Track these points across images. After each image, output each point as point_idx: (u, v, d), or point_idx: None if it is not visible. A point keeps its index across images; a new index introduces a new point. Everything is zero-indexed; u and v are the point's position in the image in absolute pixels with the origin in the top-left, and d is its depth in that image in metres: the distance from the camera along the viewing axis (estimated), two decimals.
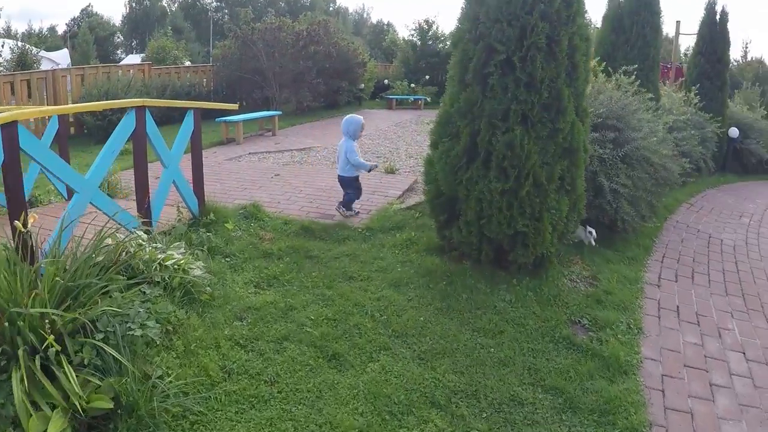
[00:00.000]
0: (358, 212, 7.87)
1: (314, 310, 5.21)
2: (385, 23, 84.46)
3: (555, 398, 4.43)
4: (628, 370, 4.90)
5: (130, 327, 3.98)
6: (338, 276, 5.94)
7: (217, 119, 14.50)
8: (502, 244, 5.94)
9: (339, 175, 7.88)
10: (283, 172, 10.79)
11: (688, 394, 4.82)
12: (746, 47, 37.21)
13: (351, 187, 7.84)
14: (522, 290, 5.89)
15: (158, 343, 4.17)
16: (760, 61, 31.86)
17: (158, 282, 4.75)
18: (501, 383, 4.50)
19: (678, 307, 6.46)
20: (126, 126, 5.76)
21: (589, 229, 7.16)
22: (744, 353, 5.73)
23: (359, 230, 7.22)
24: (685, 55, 28.49)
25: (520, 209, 5.69)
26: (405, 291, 5.71)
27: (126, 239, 4.84)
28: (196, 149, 6.98)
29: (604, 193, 7.30)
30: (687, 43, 59.16)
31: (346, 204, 7.80)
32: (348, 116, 7.97)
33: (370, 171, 8.06)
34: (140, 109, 5.86)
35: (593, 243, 7.22)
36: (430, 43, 29.56)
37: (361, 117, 8.00)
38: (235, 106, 8.39)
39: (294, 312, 5.17)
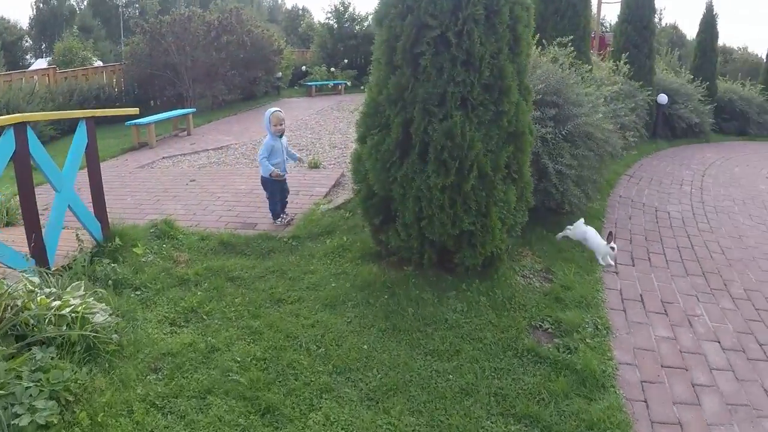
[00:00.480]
0: (291, 219, 7.05)
1: (240, 349, 4.38)
2: (301, 8, 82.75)
3: (530, 429, 3.79)
4: (605, 382, 4.33)
5: (16, 412, 3.15)
6: (265, 300, 5.13)
7: (127, 123, 13.35)
8: (447, 246, 5.26)
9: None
10: (199, 176, 9.86)
11: (672, 400, 4.32)
12: (660, 13, 38.00)
13: (266, 189, 7.00)
14: (473, 296, 5.24)
15: (56, 422, 3.30)
16: (674, 27, 33.38)
17: (53, 339, 3.84)
18: (467, 419, 3.82)
19: (642, 295, 5.94)
20: (4, 148, 4.70)
21: (612, 244, 6.49)
22: (719, 342, 5.26)
23: (285, 240, 6.41)
24: (602, 25, 28.81)
25: (465, 206, 5.01)
26: (342, 311, 4.95)
27: (11, 288, 3.94)
28: (93, 165, 5.99)
29: (549, 176, 6.74)
30: (605, 11, 59.83)
31: (272, 211, 6.97)
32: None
33: (270, 176, 6.79)
34: (20, 127, 4.81)
35: (611, 262, 6.58)
36: (347, 25, 28.66)
37: (274, 108, 7.09)
38: (135, 111, 7.43)
39: (217, 354, 4.33)
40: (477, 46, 4.80)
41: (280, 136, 6.89)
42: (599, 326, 5.08)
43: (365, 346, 4.47)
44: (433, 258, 5.33)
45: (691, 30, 47.83)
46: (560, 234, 6.81)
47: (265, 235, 6.53)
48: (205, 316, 4.87)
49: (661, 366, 4.72)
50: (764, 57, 26.09)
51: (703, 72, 19.72)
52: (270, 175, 6.69)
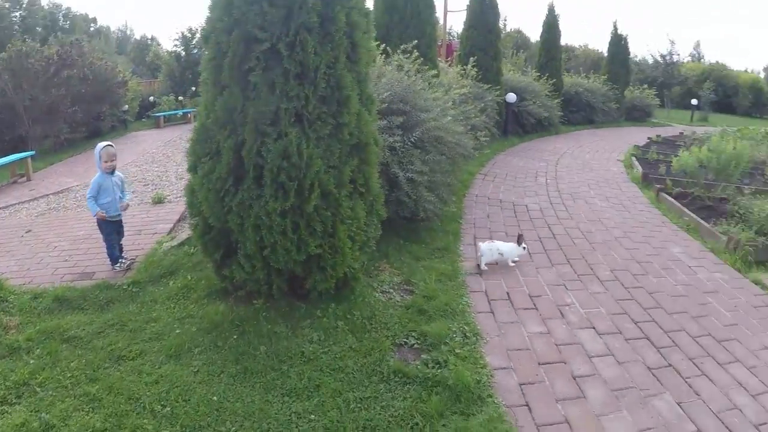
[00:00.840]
0: (131, 262, 6.43)
1: (78, 422, 3.78)
2: (149, 38, 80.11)
3: None
4: (481, 393, 4.13)
5: None
6: (104, 359, 4.53)
7: None
8: (296, 272, 4.90)
9: None
10: (36, 225, 8.98)
11: (555, 398, 4.21)
12: (505, 19, 39.72)
13: (102, 232, 6.35)
14: (330, 321, 4.91)
15: None
16: (518, 31, 35.63)
17: None
18: None
19: (508, 293, 5.84)
20: None
21: (523, 245, 6.51)
22: (594, 328, 5.26)
23: (125, 287, 5.77)
24: (449, 33, 29.61)
25: (310, 228, 4.67)
26: (189, 361, 4.45)
27: None
28: None
29: (401, 185, 6.54)
30: (452, 20, 61.55)
31: (110, 256, 6.35)
32: None
33: (98, 217, 6.14)
34: None
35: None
36: (195, 51, 27.88)
37: (105, 143, 6.38)
38: None
39: None
40: (311, 56, 4.48)
41: (112, 173, 6.27)
42: (468, 333, 4.89)
43: (215, 398, 4.01)
44: (283, 287, 4.96)
45: (535, 33, 50.17)
46: (481, 264, 6.50)
47: (104, 284, 5.89)
48: (38, 388, 4.20)
49: (539, 364, 4.59)
50: (604, 51, 27.51)
51: (549, 69, 20.55)
52: (96, 216, 6.07)
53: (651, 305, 5.87)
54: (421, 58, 8.67)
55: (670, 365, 4.78)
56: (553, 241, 7.61)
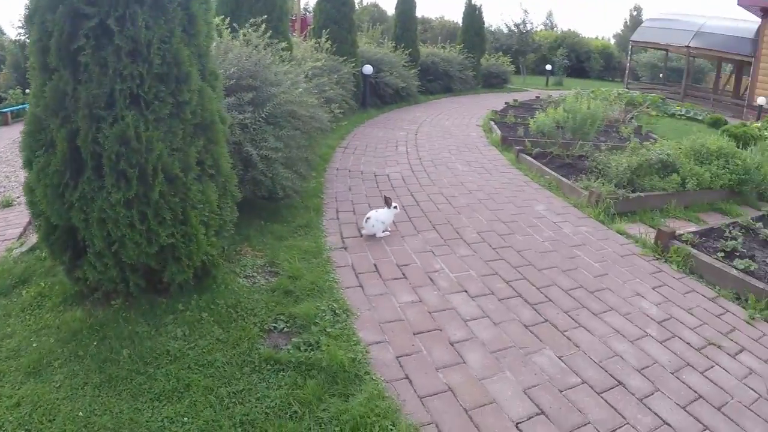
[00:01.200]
0: None
1: None
2: None
3: None
4: (358, 371, 3.99)
5: None
6: None
7: None
8: (151, 266, 4.54)
9: None
10: None
11: (434, 367, 4.14)
12: None
13: None
14: (194, 314, 4.60)
15: None
16: (375, 5, 35.89)
17: None
18: None
19: (376, 265, 5.70)
20: None
21: (394, 204, 6.45)
22: (466, 291, 5.25)
23: None
24: (305, 9, 29.29)
25: (159, 217, 4.32)
26: (50, 376, 3.98)
27: None
28: None
29: (255, 163, 6.26)
30: None
31: None
32: None
33: None
34: None
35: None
36: None
37: None
38: None
39: None
40: (143, 31, 4.08)
41: None
42: (337, 311, 4.74)
43: (81, 413, 3.61)
44: (141, 283, 4.59)
45: (391, 7, 50.51)
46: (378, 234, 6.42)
47: None
48: None
49: (413, 334, 4.50)
50: (460, 22, 27.83)
51: (404, 40, 20.53)
52: None
53: (520, 263, 5.94)
54: (271, 32, 8.33)
55: (546, 321, 4.84)
56: (417, 208, 7.56)
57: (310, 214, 6.89)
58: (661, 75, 35.20)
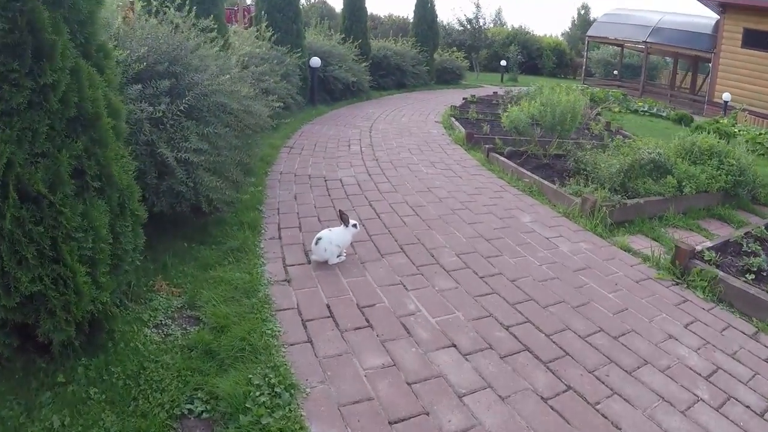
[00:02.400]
0: None
1: None
2: None
3: None
4: None
5: None
6: None
7: None
8: (26, 320, 3.09)
9: None
10: None
11: None
12: None
13: None
14: (79, 390, 3.14)
15: None
16: (323, 1, 37.14)
17: None
18: None
19: (329, 306, 4.30)
20: None
21: (353, 222, 5.01)
22: (455, 346, 3.91)
23: None
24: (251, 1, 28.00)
25: (15, 257, 2.89)
26: None
27: None
28: None
29: (174, 170, 4.79)
30: None
31: None
32: None
33: None
34: None
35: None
36: None
37: None
38: None
39: None
40: None
41: None
42: (277, 387, 3.29)
43: None
44: (12, 342, 3.14)
45: (338, 3, 49.68)
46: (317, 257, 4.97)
47: None
48: None
49: (389, 424, 3.10)
50: (410, 17, 26.89)
51: (354, 32, 19.24)
52: None
53: (519, 298, 4.62)
54: (195, 12, 6.88)
55: (569, 388, 3.52)
56: (378, 222, 6.16)
57: (245, 233, 5.43)
58: (615, 72, 34.74)
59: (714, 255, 5.52)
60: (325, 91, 16.05)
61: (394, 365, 3.60)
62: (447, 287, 4.67)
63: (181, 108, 4.94)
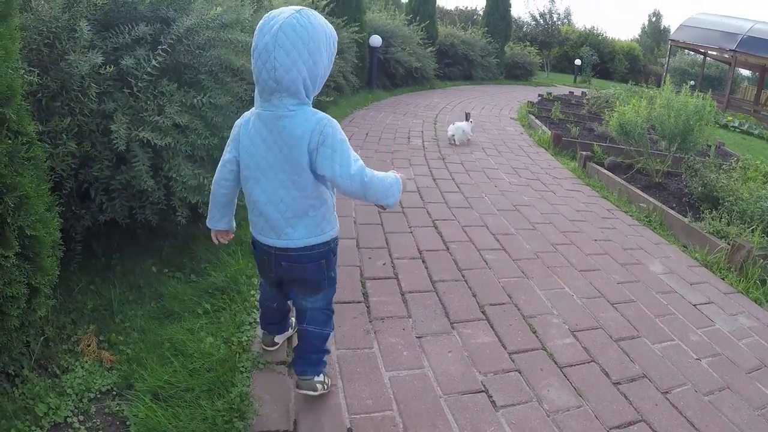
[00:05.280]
0: None
1: None
2: None
3: None
4: None
5: None
6: None
7: None
8: None
9: None
10: None
11: None
12: None
13: None
14: None
15: None
16: None
17: None
18: None
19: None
20: None
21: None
22: None
23: None
24: None
25: None
26: None
27: None
28: None
29: (135, 155, 2.99)
30: None
31: None
32: None
33: None
34: None
35: None
36: None
37: None
38: None
39: None
40: None
41: None
42: None
43: None
44: None
45: None
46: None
47: None
48: None
49: None
50: (478, 8, 25.02)
51: (421, 14, 17.27)
52: None
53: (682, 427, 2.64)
54: None
55: None
56: (445, 256, 4.15)
57: (240, 262, 3.51)
58: (692, 82, 32.11)
59: None
60: (384, 74, 14.17)
61: None
62: (563, 405, 2.65)
63: (155, 62, 3.08)
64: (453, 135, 8.05)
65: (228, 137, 2.30)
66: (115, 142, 2.84)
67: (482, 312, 3.37)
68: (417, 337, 3.02)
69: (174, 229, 3.46)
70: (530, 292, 3.75)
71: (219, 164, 2.31)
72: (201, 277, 3.30)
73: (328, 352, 2.52)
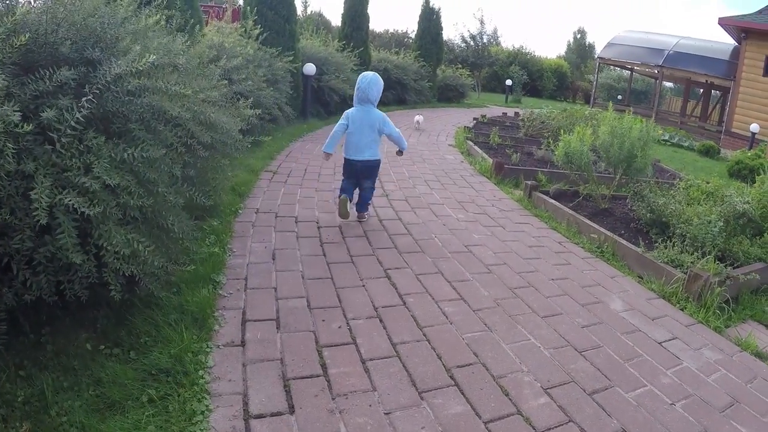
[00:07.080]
0: None
1: None
2: None
3: None
4: None
5: None
6: None
7: None
8: None
9: None
10: None
11: None
12: (306, 2, 37.36)
13: None
14: None
15: None
16: (319, 14, 37.24)
17: None
18: None
19: None
20: None
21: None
22: None
23: None
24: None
25: None
26: None
27: None
28: None
29: (59, 222, 2.64)
30: None
31: None
32: None
33: None
34: None
35: None
36: None
37: None
38: None
39: None
40: None
41: None
42: None
43: None
44: None
45: (335, 17, 48.48)
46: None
47: None
48: None
49: None
50: (410, 31, 25.50)
51: (354, 40, 17.23)
52: None
53: None
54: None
55: None
56: (404, 313, 3.89)
57: (184, 334, 3.16)
58: (619, 97, 33.03)
59: None
60: (318, 103, 13.96)
61: None
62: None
63: (80, 114, 2.77)
64: (418, 121, 13.29)
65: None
66: (35, 215, 2.52)
67: (450, 377, 3.13)
68: (385, 414, 2.75)
69: (108, 296, 3.14)
70: (496, 347, 3.54)
71: (337, 125, 5.54)
72: (142, 355, 2.96)
73: (371, 203, 5.97)
